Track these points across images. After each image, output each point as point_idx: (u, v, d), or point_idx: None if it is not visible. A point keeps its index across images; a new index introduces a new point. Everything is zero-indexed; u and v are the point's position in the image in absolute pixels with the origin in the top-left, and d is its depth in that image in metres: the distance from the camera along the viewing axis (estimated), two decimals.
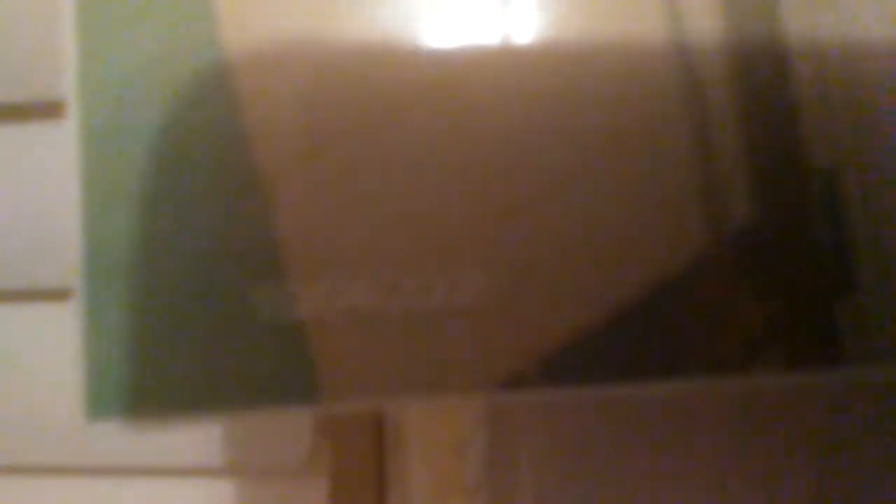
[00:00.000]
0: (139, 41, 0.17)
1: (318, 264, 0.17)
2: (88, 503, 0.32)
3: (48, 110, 0.30)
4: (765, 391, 0.22)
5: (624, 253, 0.17)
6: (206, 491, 0.31)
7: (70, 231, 0.18)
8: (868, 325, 0.17)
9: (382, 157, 0.17)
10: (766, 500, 0.24)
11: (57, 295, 0.31)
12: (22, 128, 0.31)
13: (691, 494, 0.24)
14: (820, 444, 0.24)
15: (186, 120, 0.17)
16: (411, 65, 0.17)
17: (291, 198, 0.16)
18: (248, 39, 0.17)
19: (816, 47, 0.17)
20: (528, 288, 0.16)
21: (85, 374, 0.17)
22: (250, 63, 0.17)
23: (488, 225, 0.17)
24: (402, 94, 0.17)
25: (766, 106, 0.17)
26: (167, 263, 0.17)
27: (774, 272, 0.17)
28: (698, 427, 0.24)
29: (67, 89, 0.18)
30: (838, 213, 0.17)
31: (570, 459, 0.24)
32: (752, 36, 0.17)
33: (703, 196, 0.17)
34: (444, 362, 0.17)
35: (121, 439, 0.31)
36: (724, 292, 0.17)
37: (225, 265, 0.17)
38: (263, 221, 0.16)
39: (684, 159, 0.17)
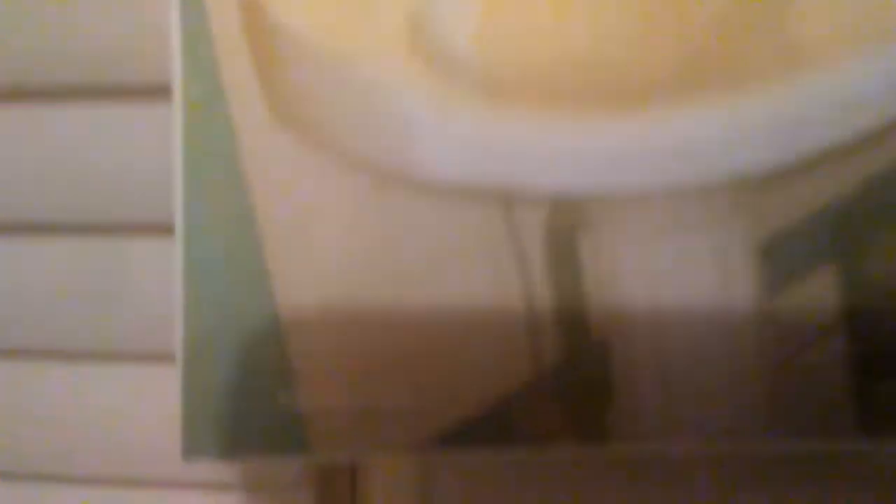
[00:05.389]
0: None
1: (315, 382, 0.28)
2: None
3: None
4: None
5: (483, 379, 0.27)
6: (212, 501, 0.39)
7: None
8: (622, 420, 0.28)
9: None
10: None
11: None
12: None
13: None
14: None
15: None
16: None
17: (301, 345, 0.28)
18: None
19: None
20: (428, 395, 0.27)
21: (181, 435, 0.27)
22: None
23: (410, 362, 0.28)
24: None
25: (567, 302, 0.28)
26: (233, 369, 0.28)
27: (568, 391, 0.28)
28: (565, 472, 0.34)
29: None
30: (606, 361, 0.28)
31: (478, 487, 0.35)
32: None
33: (530, 349, 0.28)
34: (386, 436, 0.28)
35: (144, 454, 0.38)
36: (539, 401, 0.28)
37: (264, 376, 0.28)
38: (286, 356, 0.27)
39: (519, 331, 0.28)
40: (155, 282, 0.38)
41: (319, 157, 0.28)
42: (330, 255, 0.28)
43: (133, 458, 0.39)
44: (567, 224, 0.28)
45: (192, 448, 0.27)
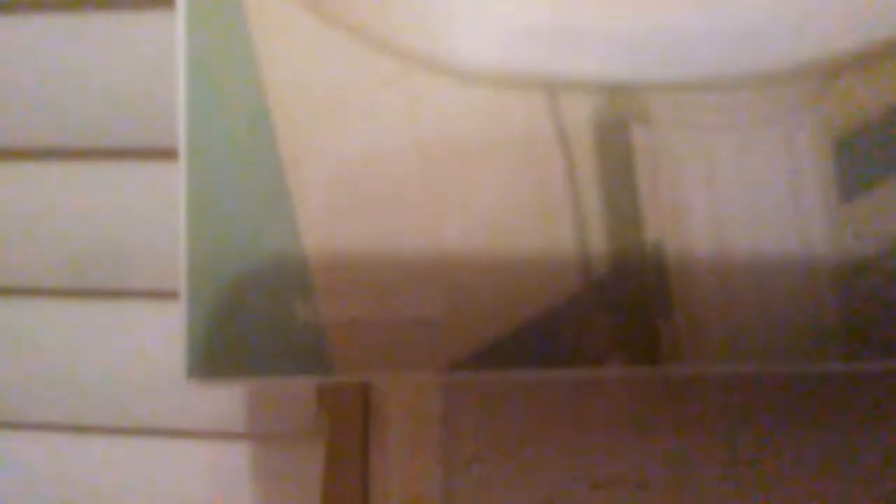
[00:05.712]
0: None
1: (336, 293, 0.25)
2: (123, 459, 0.37)
3: None
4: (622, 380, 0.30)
5: (527, 289, 0.24)
6: (229, 450, 0.36)
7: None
8: (679, 339, 0.25)
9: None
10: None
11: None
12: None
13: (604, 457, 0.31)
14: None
15: None
16: None
17: (321, 253, 0.24)
18: None
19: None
20: (463, 308, 0.24)
21: (185, 351, 0.24)
22: None
23: (444, 269, 0.25)
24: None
25: (619, 200, 0.25)
26: (243, 282, 0.25)
27: (619, 305, 0.25)
28: (593, 400, 0.32)
29: None
30: (662, 270, 0.25)
31: (502, 423, 0.32)
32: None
33: (578, 257, 0.25)
34: (412, 354, 0.24)
35: (155, 404, 0.37)
36: (587, 316, 0.25)
37: (281, 287, 0.24)
38: (305, 266, 0.24)
39: (567, 236, 0.25)
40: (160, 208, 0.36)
41: (341, 42, 0.24)
42: (353, 150, 0.25)
43: (142, 408, 0.37)
44: (619, 116, 0.25)
45: (197, 367, 0.24)
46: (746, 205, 0.24)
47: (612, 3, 0.24)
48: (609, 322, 0.25)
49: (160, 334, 0.36)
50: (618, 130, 0.25)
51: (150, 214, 0.35)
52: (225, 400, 0.36)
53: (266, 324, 0.24)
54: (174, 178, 0.26)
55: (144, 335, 0.36)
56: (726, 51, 0.24)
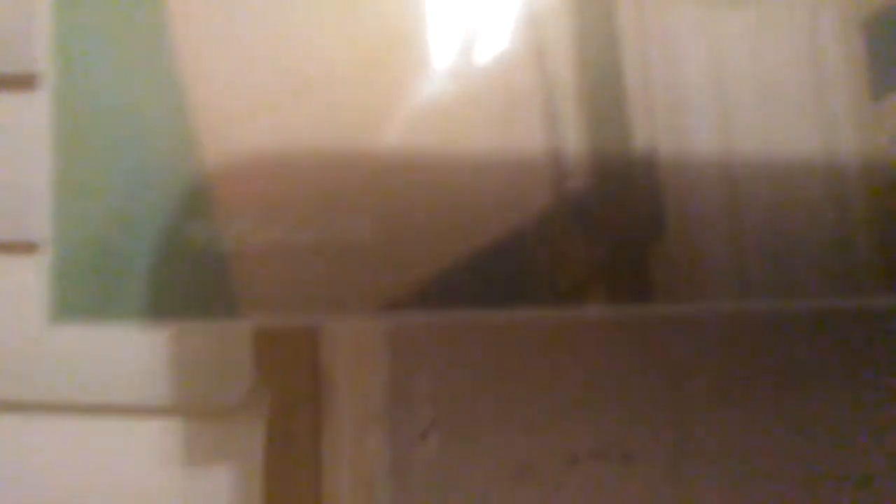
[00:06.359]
0: None
1: (240, 206, 0.20)
2: (28, 438, 0.32)
3: None
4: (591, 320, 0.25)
5: (484, 206, 0.19)
6: (149, 429, 0.31)
7: None
8: (675, 269, 0.20)
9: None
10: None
11: None
12: None
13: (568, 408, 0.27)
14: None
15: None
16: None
17: (223, 156, 0.19)
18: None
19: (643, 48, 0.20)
20: (404, 231, 0.19)
21: (51, 285, 0.19)
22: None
23: (378, 180, 0.19)
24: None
25: (602, 95, 0.20)
26: (122, 203, 0.19)
27: (602, 226, 0.20)
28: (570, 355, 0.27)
29: None
30: (654, 183, 0.20)
31: (456, 389, 0.27)
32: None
33: (550, 165, 0.20)
34: (338, 290, 0.19)
35: (65, 376, 0.32)
36: (562, 240, 0.20)
37: (173, 201, 0.19)
38: (202, 175, 0.19)
39: (536, 138, 0.20)
40: None
41: None
42: (264, 32, 0.19)
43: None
44: None
45: (64, 308, 0.19)
46: (759, 101, 0.20)
47: None
48: (588, 248, 0.20)
49: None
50: (600, 4, 0.20)
51: None
52: (150, 372, 0.31)
53: (153, 251, 0.19)
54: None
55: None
56: None
